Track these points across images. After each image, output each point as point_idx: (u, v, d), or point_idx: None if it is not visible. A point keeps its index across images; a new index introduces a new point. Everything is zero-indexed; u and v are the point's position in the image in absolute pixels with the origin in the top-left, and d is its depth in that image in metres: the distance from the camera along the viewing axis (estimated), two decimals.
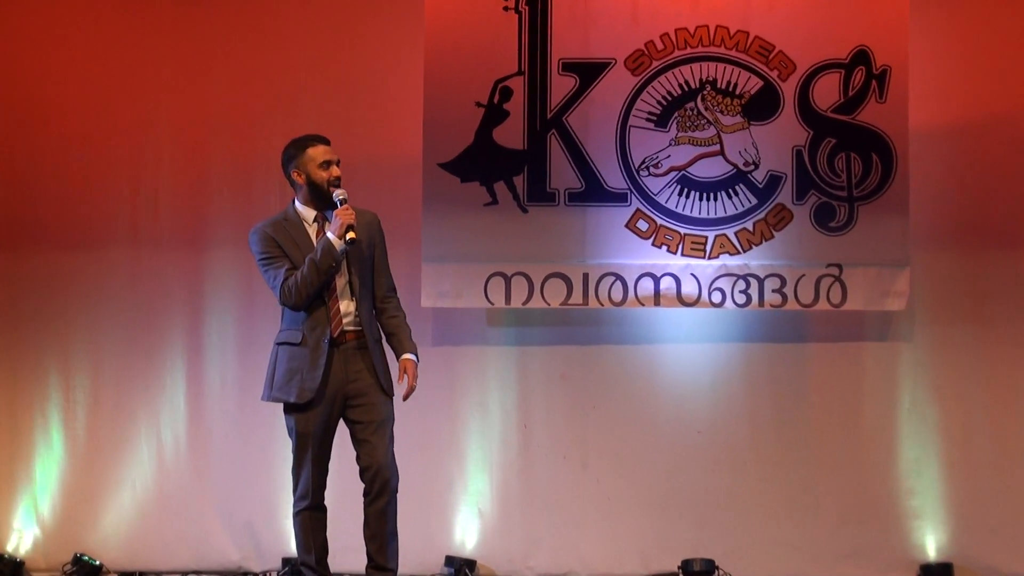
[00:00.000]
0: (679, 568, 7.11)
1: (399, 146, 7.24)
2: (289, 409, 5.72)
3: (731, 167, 7.09)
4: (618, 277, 7.06)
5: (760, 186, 7.07)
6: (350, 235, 5.57)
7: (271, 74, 7.32)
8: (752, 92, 7.07)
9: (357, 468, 5.71)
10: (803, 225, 7.03)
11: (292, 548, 6.56)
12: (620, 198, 7.09)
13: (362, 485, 5.70)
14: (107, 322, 7.36)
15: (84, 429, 7.38)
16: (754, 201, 7.08)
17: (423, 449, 7.16)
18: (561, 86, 7.09)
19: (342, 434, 5.79)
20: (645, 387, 7.24)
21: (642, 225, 7.10)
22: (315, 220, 5.77)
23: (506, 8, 7.08)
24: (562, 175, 7.09)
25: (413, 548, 6.82)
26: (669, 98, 7.10)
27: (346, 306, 5.71)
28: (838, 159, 7.04)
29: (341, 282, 5.71)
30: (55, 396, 7.39)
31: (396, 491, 5.70)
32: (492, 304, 7.09)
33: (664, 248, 7.08)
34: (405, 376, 5.72)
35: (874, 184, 7.02)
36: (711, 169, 7.08)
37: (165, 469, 7.35)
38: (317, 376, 5.63)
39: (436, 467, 7.26)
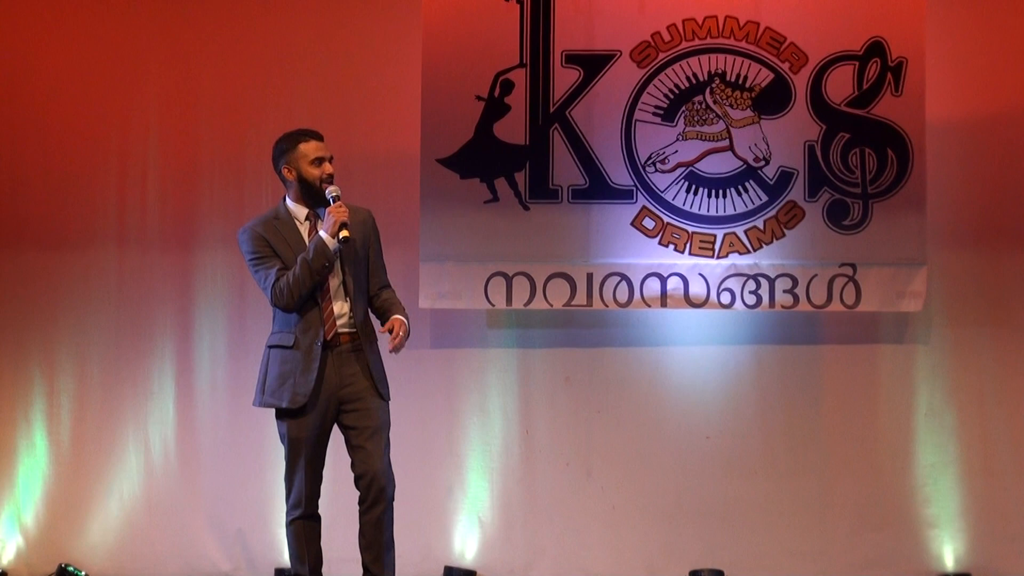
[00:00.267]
0: None
1: (396, 141, 7.22)
2: (281, 415, 5.68)
3: (741, 163, 7.08)
4: (623, 277, 7.04)
5: (771, 182, 7.06)
6: (343, 234, 5.53)
7: (263, 66, 7.31)
8: (762, 85, 7.06)
9: (352, 475, 5.67)
10: (815, 223, 7.03)
11: (285, 558, 6.65)
12: (625, 195, 7.07)
13: (357, 493, 5.65)
14: (93, 324, 7.33)
15: (69, 435, 7.35)
16: (765, 198, 7.06)
17: (421, 455, 7.16)
18: (564, 79, 7.07)
19: (336, 440, 5.74)
20: (651, 391, 7.23)
21: (648, 223, 7.06)
22: (307, 218, 5.72)
23: None
24: (565, 171, 7.07)
25: (411, 558, 6.87)
26: (676, 91, 7.08)
27: (340, 307, 5.66)
28: (852, 154, 7.03)
29: (335, 282, 5.65)
30: (39, 400, 7.36)
31: (392, 499, 5.65)
32: (493, 305, 7.07)
33: (671, 247, 7.06)
34: (391, 331, 5.62)
35: (889, 180, 7.02)
36: (720, 165, 7.07)
37: (153, 476, 7.33)
38: (310, 380, 5.59)
39: (435, 474, 7.24)
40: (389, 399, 5.71)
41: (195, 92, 7.30)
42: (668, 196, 7.03)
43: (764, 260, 7.00)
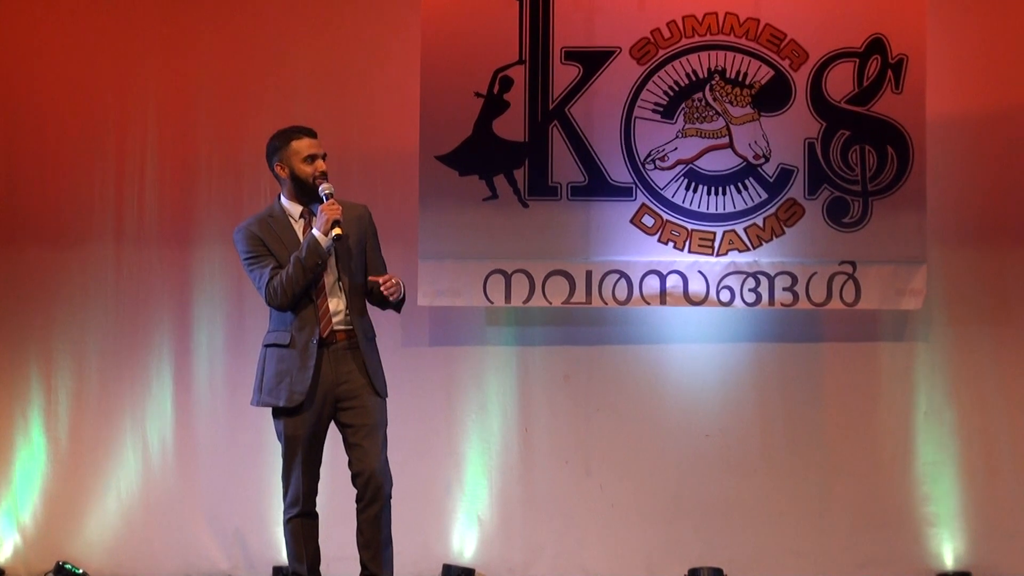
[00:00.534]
0: None
1: (395, 138, 7.21)
2: (278, 413, 5.68)
3: (740, 160, 7.05)
4: (622, 275, 7.02)
5: (770, 180, 7.04)
6: (336, 231, 5.52)
7: (261, 63, 7.29)
8: (762, 82, 7.03)
9: (349, 473, 5.67)
10: (815, 221, 7.00)
11: (283, 556, 6.57)
12: (625, 192, 7.05)
13: (355, 491, 5.66)
14: (91, 321, 7.31)
15: (67, 432, 7.34)
16: (764, 196, 7.04)
17: (420, 453, 7.16)
18: (564, 76, 7.05)
19: (334, 438, 5.74)
20: (650, 389, 7.22)
21: (648, 220, 7.04)
22: (301, 216, 5.73)
23: None
24: (564, 168, 7.05)
25: (409, 556, 6.88)
26: (676, 88, 7.06)
27: (335, 304, 5.65)
28: (852, 152, 7.01)
29: (330, 280, 5.65)
30: (36, 398, 7.35)
31: (390, 497, 5.65)
32: (492, 303, 7.05)
33: (671, 244, 7.04)
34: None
35: (889, 178, 6.99)
36: (720, 162, 7.05)
37: (151, 474, 7.31)
38: (306, 378, 5.59)
39: (433, 472, 7.23)
40: (386, 396, 5.71)
41: (193, 89, 7.28)
42: (667, 193, 7.02)
43: (764, 258, 6.99)
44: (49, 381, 7.30)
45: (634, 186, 7.02)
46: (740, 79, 7.01)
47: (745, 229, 7.01)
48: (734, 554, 7.12)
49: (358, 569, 5.68)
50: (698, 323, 7.17)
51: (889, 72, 6.94)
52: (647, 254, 7.01)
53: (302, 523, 5.68)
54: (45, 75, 7.32)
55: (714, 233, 7.01)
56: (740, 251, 7.00)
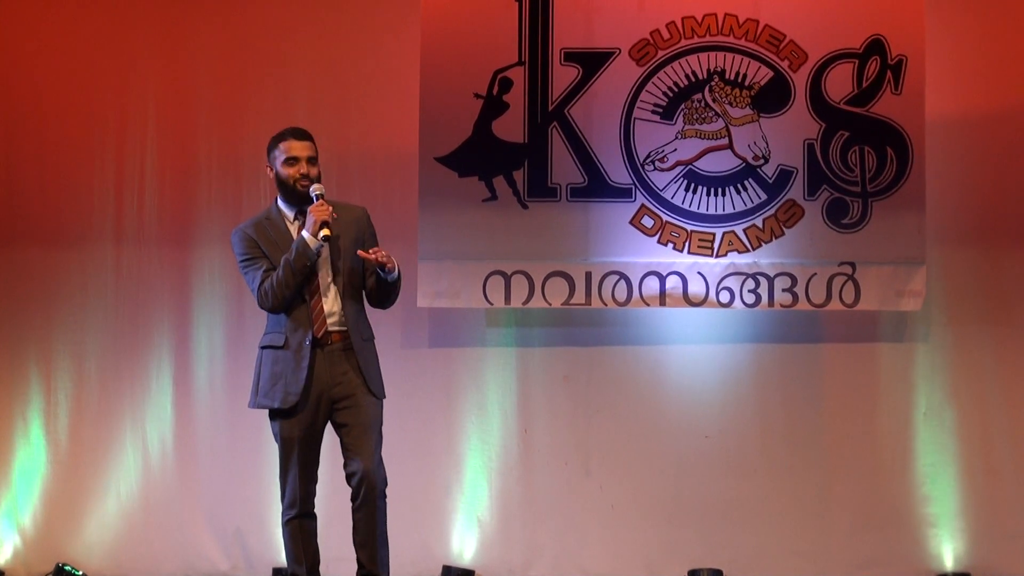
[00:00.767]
0: None
1: (394, 139, 7.20)
2: (274, 415, 5.68)
3: (740, 161, 7.05)
4: (622, 276, 7.01)
5: (770, 181, 7.03)
6: (324, 232, 5.50)
7: (261, 63, 7.27)
8: (762, 83, 7.03)
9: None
10: (815, 222, 7.00)
11: (283, 557, 6.56)
12: (624, 193, 7.04)
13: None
14: (90, 322, 7.30)
15: (66, 433, 7.32)
16: (764, 197, 7.03)
17: (419, 454, 7.15)
18: (563, 77, 7.04)
19: (333, 439, 5.72)
20: (650, 390, 7.21)
21: (647, 222, 7.03)
22: (296, 218, 5.72)
23: None
24: (564, 169, 7.04)
25: (409, 557, 6.92)
26: (675, 89, 7.05)
27: (330, 305, 5.64)
28: (851, 153, 7.00)
29: (325, 281, 5.64)
30: (36, 399, 7.33)
31: (384, 496, 5.63)
32: (491, 304, 7.04)
33: (670, 246, 7.03)
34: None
35: (889, 179, 6.98)
36: (719, 163, 7.04)
37: (151, 475, 7.30)
38: (300, 379, 5.58)
39: (433, 473, 7.22)
40: (383, 396, 5.69)
41: (192, 90, 7.27)
42: (667, 195, 7.00)
43: (763, 259, 6.98)
44: (49, 382, 7.29)
45: (633, 187, 7.01)
46: (739, 80, 7.00)
47: (745, 230, 7.00)
48: (734, 555, 7.11)
49: (356, 569, 5.66)
50: (697, 324, 7.15)
51: (888, 73, 6.93)
52: (647, 255, 6.99)
53: (300, 524, 5.67)
54: (45, 75, 7.31)
55: (713, 234, 7.00)
56: (740, 252, 6.99)
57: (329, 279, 5.62)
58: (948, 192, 7.07)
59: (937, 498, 7.12)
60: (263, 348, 5.67)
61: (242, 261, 5.67)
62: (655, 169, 7.02)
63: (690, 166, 7.02)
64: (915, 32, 6.91)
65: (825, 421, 7.15)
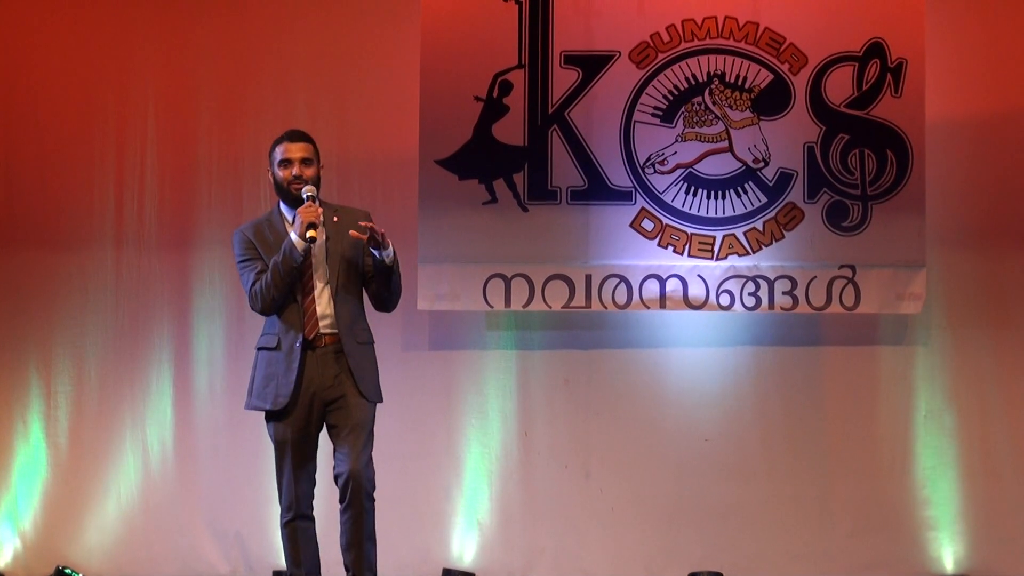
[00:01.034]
0: None
1: (394, 142, 7.19)
2: (268, 417, 5.67)
3: (740, 164, 7.05)
4: (622, 279, 7.01)
5: (770, 184, 7.03)
6: (311, 234, 5.48)
7: (261, 67, 7.27)
8: (762, 86, 7.03)
9: None
10: (815, 225, 7.00)
11: (283, 560, 6.52)
12: (624, 196, 7.04)
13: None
14: (91, 325, 7.30)
15: (67, 436, 7.31)
16: (764, 200, 7.03)
17: (419, 457, 7.15)
18: (563, 80, 7.04)
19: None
20: (650, 393, 7.20)
21: (647, 225, 7.03)
22: (293, 220, 5.69)
23: None
24: (564, 172, 7.04)
25: (409, 561, 6.93)
26: (675, 92, 7.05)
27: (323, 308, 5.61)
28: (851, 156, 7.00)
29: (320, 283, 5.63)
30: (36, 402, 7.33)
31: (372, 498, 5.58)
32: (491, 307, 7.04)
33: (670, 248, 7.03)
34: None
35: (889, 182, 6.99)
36: (719, 166, 7.04)
37: (151, 478, 7.29)
38: (291, 381, 5.57)
39: (433, 476, 7.21)
40: (377, 400, 5.64)
41: (193, 92, 7.27)
42: (667, 197, 7.00)
43: (763, 262, 6.97)
44: (49, 385, 7.28)
45: (634, 190, 7.01)
46: (739, 83, 6.99)
47: (745, 233, 7.00)
48: (734, 557, 7.10)
49: None
50: (698, 327, 7.15)
51: (888, 76, 6.93)
52: (647, 258, 6.99)
53: (298, 527, 5.66)
54: (45, 75, 7.30)
55: (714, 237, 6.99)
56: (740, 255, 6.99)
57: (325, 282, 5.61)
58: (948, 195, 7.07)
59: (937, 501, 7.11)
60: (259, 349, 5.67)
61: (238, 262, 5.67)
62: (655, 172, 7.02)
63: (690, 169, 7.02)
64: (915, 35, 6.92)
65: (825, 424, 7.14)
